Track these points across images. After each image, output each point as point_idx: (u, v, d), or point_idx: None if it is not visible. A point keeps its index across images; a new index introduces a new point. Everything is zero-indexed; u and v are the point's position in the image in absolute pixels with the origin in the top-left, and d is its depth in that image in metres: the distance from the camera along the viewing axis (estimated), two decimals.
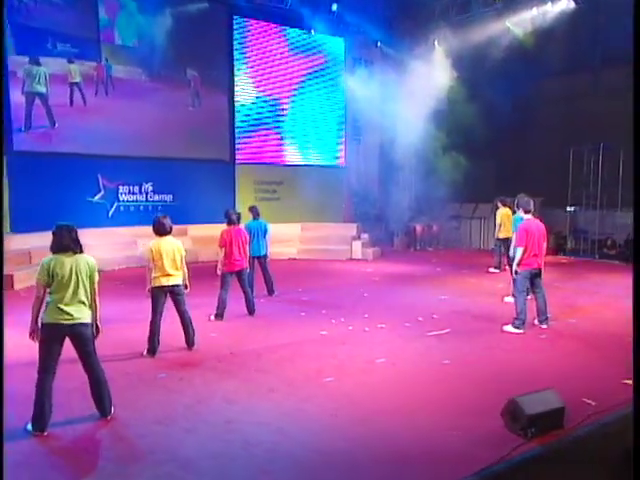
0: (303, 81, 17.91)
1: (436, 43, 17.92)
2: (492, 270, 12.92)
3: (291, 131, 17.86)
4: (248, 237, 8.67)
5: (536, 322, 7.91)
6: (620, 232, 17.21)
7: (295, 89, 17.77)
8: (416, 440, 4.40)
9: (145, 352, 6.56)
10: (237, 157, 17.04)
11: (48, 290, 4.59)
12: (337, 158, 18.67)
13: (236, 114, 16.81)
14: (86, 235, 12.88)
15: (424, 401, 5.21)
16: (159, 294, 6.52)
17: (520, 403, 4.44)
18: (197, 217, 16.10)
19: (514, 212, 11.28)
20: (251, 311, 8.61)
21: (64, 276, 4.57)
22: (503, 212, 13.06)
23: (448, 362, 6.30)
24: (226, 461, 4.10)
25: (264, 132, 17.44)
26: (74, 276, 4.61)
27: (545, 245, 7.79)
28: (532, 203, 7.90)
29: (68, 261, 4.61)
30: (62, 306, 4.56)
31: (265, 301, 9.46)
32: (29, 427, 4.56)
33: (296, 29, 17.60)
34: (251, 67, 16.93)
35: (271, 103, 17.45)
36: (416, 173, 17.87)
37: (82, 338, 4.68)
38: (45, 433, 4.51)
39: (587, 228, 17.03)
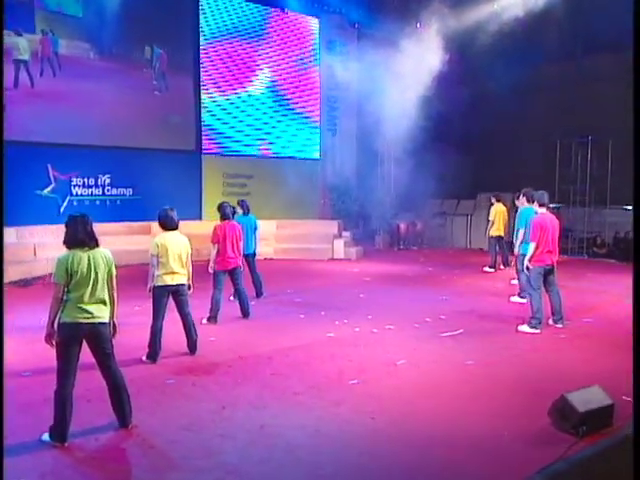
0: (275, 64, 18.03)
1: (419, 25, 18.32)
2: (487, 269, 13.35)
3: (262, 119, 17.95)
4: (242, 233, 8.77)
5: (550, 322, 8.28)
6: (609, 230, 17.99)
7: (267, 73, 17.88)
8: (466, 441, 4.63)
9: (145, 357, 6.60)
10: (204, 147, 17.04)
11: (65, 289, 4.61)
12: (312, 149, 18.88)
13: (202, 99, 16.79)
14: (36, 233, 12.94)
15: (458, 402, 5.46)
16: (162, 294, 6.58)
17: (571, 400, 4.73)
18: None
19: (515, 208, 11.78)
20: (246, 313, 8.72)
21: (82, 273, 4.60)
22: (497, 209, 13.47)
23: (471, 363, 6.58)
24: (274, 466, 4.24)
25: (233, 120, 17.48)
26: (92, 272, 4.65)
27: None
28: (547, 196, 8.27)
29: (85, 256, 4.64)
30: (81, 305, 4.60)
31: (255, 303, 9.57)
32: (46, 438, 4.59)
33: (268, 7, 17.72)
34: (219, 47, 16.92)
35: (240, 88, 17.49)
36: (398, 166, 18.22)
37: (102, 339, 4.73)
38: (65, 444, 4.54)
39: (574, 226, 17.67)
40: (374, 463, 4.30)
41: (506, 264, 13.61)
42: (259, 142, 17.98)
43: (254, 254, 10.05)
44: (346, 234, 15.90)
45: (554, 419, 4.86)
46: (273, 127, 18.18)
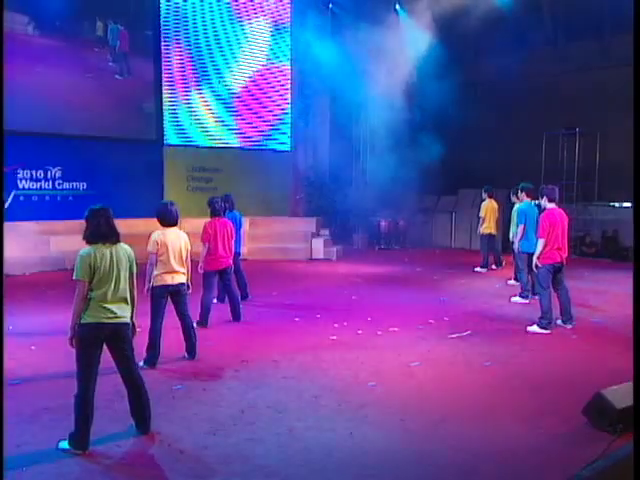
0: (244, 48, 18.21)
1: (398, 7, 18.80)
2: (478, 270, 13.86)
3: (229, 107, 18.10)
4: (234, 230, 8.99)
5: (559, 322, 8.77)
6: (596, 228, 18.78)
7: (234, 57, 18.04)
8: (503, 442, 4.99)
9: (142, 362, 6.78)
10: (166, 137, 17.10)
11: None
12: (283, 140, 19.09)
13: (164, 83, 16.81)
14: None
15: (486, 403, 5.83)
16: (161, 295, 6.76)
17: (608, 397, 5.15)
18: (120, 210, 15.99)
19: (511, 205, 12.31)
20: (237, 316, 8.96)
21: (105, 269, 4.79)
22: (487, 205, 13.97)
23: (490, 364, 6.99)
24: (316, 468, 4.52)
25: (197, 107, 17.58)
26: (115, 269, 4.84)
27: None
28: (557, 191, 8.75)
29: (107, 252, 4.84)
30: (104, 304, 4.78)
31: (242, 306, 9.78)
32: (64, 445, 4.75)
33: None
34: (182, 27, 16.94)
35: (205, 72, 17.59)
36: (376, 159, 18.62)
37: (124, 340, 4.93)
38: (87, 452, 4.72)
39: None
40: (423, 463, 4.62)
41: (498, 264, 14.15)
42: (226, 132, 18.12)
43: (239, 254, 10.28)
44: (325, 232, 16.21)
45: (590, 417, 5.26)
46: (241, 116, 18.33)
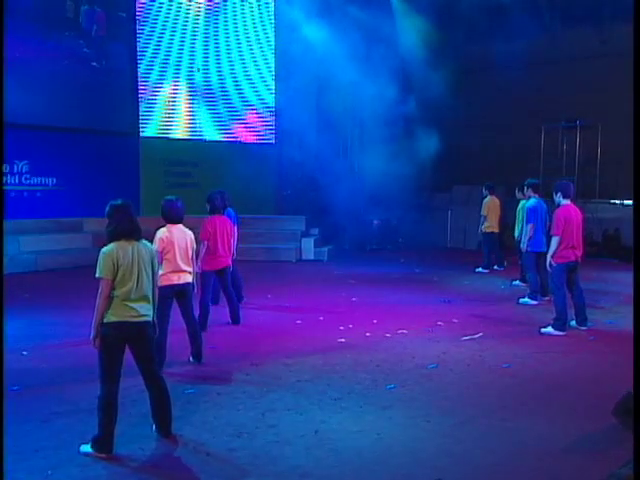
0: (224, 33, 18.40)
1: None
2: (480, 270, 14.26)
3: (210, 97, 18.29)
4: (233, 228, 9.25)
5: (573, 323, 9.16)
6: (597, 227, 19.26)
7: (215, 43, 18.23)
8: (536, 442, 5.33)
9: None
10: (142, 129, 17.25)
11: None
12: (267, 132, 19.37)
13: (139, 70, 16.93)
14: None
15: (510, 404, 6.18)
16: (167, 295, 6.97)
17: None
18: (92, 208, 16.11)
19: (516, 202, 12.72)
20: (236, 319, 9.22)
21: (128, 267, 5.02)
22: (489, 202, 14.38)
23: (508, 366, 7.35)
24: (351, 468, 4.82)
25: (175, 96, 17.69)
26: (136, 266, 5.08)
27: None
28: (573, 187, 9.15)
29: (130, 248, 5.08)
30: (127, 302, 5.02)
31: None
32: (87, 449, 4.98)
33: None
34: (157, 8, 17.06)
35: (183, 58, 17.73)
36: (366, 153, 18.93)
37: (147, 339, 5.18)
38: (111, 455, 4.96)
39: None
40: (458, 463, 4.94)
41: (501, 264, 14.55)
42: (206, 124, 18.33)
43: (232, 253, 10.50)
44: (314, 231, 16.49)
45: (621, 418, 5.62)
46: (222, 106, 18.54)
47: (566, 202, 9.04)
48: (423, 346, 8.20)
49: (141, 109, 17.17)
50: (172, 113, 17.81)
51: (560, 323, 8.86)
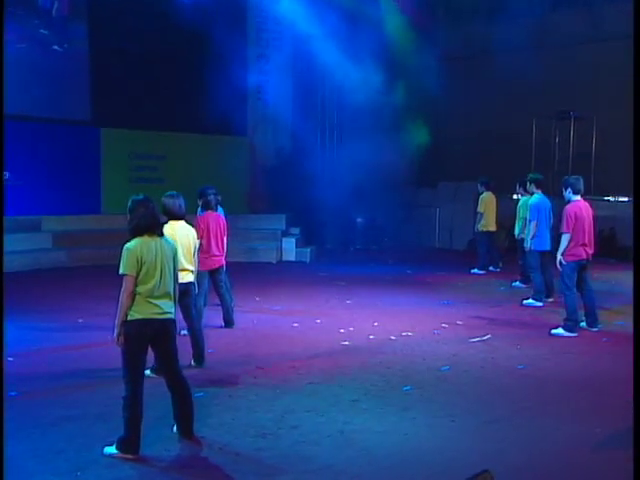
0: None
1: None
2: (476, 271, 14.85)
3: (177, 82, 18.28)
4: (226, 226, 9.65)
5: (583, 324, 9.76)
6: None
7: (180, 18, 18.29)
8: (564, 441, 5.87)
9: (149, 371, 7.41)
10: (103, 118, 17.35)
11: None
12: (238, 121, 19.56)
13: (100, 54, 16.97)
14: None
15: (531, 404, 6.74)
16: None
17: None
18: (50, 206, 16.35)
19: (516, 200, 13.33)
20: (230, 322, 9.64)
21: (152, 263, 5.42)
22: (486, 198, 14.97)
23: (524, 368, 7.92)
24: (384, 466, 5.31)
25: (139, 82, 17.72)
26: (159, 263, 5.49)
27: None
28: (582, 182, 9.75)
29: (153, 244, 5.49)
30: (151, 299, 5.42)
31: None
32: (111, 450, 5.37)
33: None
34: None
35: (149, 39, 17.79)
36: (349, 144, 19.29)
37: (170, 337, 5.60)
38: (137, 456, 5.38)
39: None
40: (490, 462, 5.43)
41: (497, 265, 15.17)
42: (173, 113, 18.46)
43: None
44: (295, 231, 16.92)
45: None
46: (190, 92, 18.62)
47: (576, 198, 9.60)
48: (431, 348, 8.74)
49: (102, 96, 17.13)
50: (135, 100, 17.81)
51: (571, 324, 9.43)
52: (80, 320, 10.17)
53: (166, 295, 5.55)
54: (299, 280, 14.02)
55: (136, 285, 5.40)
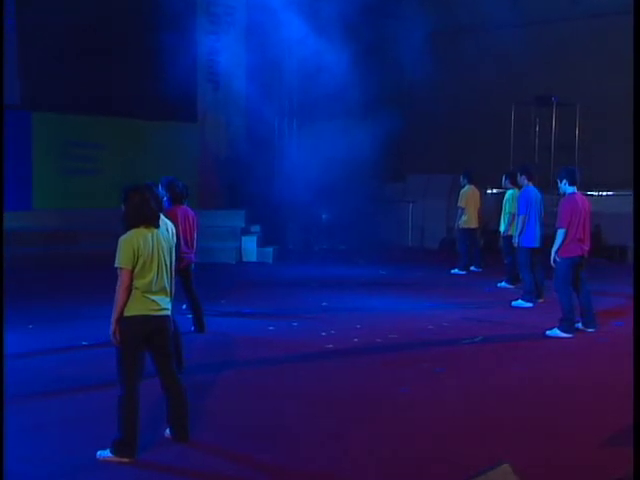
0: None
1: None
2: (456, 272, 15.55)
3: (117, 61, 18.34)
4: (196, 221, 10.11)
5: (579, 325, 10.46)
6: None
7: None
8: (582, 437, 6.53)
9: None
10: (34, 100, 17.47)
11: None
12: (186, 108, 19.86)
13: (26, 27, 17.14)
14: None
15: (539, 403, 7.41)
16: None
17: None
18: None
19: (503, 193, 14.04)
20: (201, 327, 10.08)
21: (148, 256, 5.85)
22: (468, 192, 15.60)
23: (522, 369, 8.59)
24: (392, 465, 5.93)
25: (73, 58, 17.73)
26: (156, 256, 5.93)
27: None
28: (577, 173, 10.44)
29: (150, 236, 5.93)
30: (148, 294, 5.87)
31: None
32: (105, 454, 5.78)
33: None
34: None
35: (85, 12, 17.91)
36: (309, 136, 19.72)
37: (166, 335, 6.06)
38: (134, 459, 5.85)
39: None
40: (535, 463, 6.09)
41: (479, 265, 15.88)
42: (112, 96, 18.54)
43: None
44: (255, 228, 17.37)
45: None
46: (133, 73, 18.66)
47: (572, 190, 10.26)
48: (422, 350, 9.41)
49: (31, 76, 17.32)
50: (70, 81, 17.70)
51: (567, 324, 10.09)
52: (30, 326, 10.53)
53: (163, 290, 5.98)
54: (265, 282, 14.55)
55: (134, 279, 5.81)
